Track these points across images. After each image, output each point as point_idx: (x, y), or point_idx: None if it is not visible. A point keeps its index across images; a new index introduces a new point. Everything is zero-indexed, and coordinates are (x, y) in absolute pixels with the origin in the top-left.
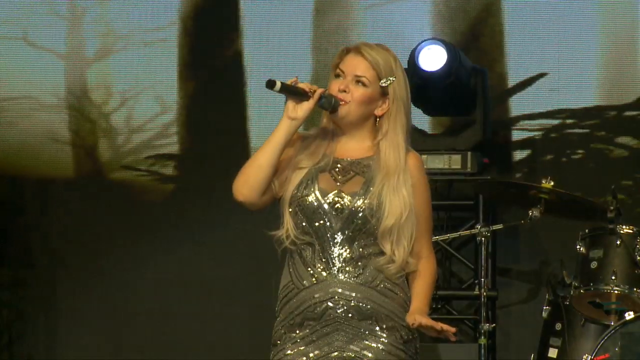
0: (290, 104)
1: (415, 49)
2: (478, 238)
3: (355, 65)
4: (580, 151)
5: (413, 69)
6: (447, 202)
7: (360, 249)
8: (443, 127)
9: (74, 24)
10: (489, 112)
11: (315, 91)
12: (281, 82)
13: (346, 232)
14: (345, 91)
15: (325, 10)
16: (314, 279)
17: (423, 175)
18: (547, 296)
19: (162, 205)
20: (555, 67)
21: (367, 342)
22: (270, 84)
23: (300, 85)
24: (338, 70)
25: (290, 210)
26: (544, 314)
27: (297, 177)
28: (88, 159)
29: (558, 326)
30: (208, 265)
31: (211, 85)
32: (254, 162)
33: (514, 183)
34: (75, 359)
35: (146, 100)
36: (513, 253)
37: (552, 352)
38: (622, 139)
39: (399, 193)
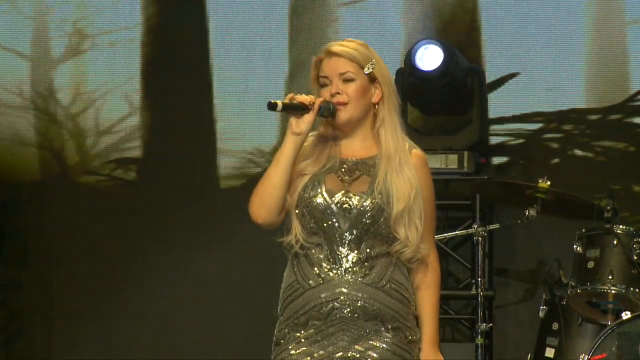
0: (293, 120)
1: (412, 48)
2: (475, 238)
3: (335, 66)
4: (576, 151)
5: (410, 68)
6: (444, 201)
7: (368, 250)
8: (440, 126)
9: (39, 23)
10: (485, 112)
11: (314, 102)
12: (282, 102)
13: (354, 232)
14: (338, 93)
15: (300, 8)
16: (320, 279)
17: (427, 174)
18: (544, 296)
19: (154, 206)
20: (551, 67)
21: (372, 343)
22: (272, 106)
23: (299, 99)
24: (322, 80)
25: (297, 212)
26: (541, 314)
27: (302, 181)
28: (55, 162)
29: (555, 326)
30: (206, 266)
31: (177, 86)
32: (267, 183)
33: (511, 183)
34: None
35: (114, 102)
36: (510, 253)
37: (549, 352)
38: (617, 142)
39: (403, 174)
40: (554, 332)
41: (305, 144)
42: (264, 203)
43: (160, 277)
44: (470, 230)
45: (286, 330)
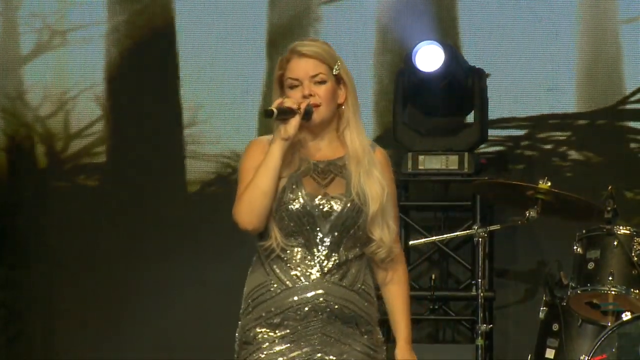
0: (280, 125)
1: (412, 49)
2: (475, 239)
3: (305, 68)
4: (576, 153)
5: (410, 69)
6: (444, 202)
7: (346, 252)
8: (440, 127)
9: (6, 18)
10: (486, 112)
11: (299, 106)
12: (276, 109)
13: (335, 234)
14: (311, 95)
15: (276, 5)
16: (299, 280)
17: (391, 171)
18: (544, 297)
19: (156, 207)
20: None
21: (347, 346)
22: (269, 114)
23: (287, 104)
24: (291, 81)
25: (276, 217)
26: (541, 315)
27: (280, 185)
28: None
29: (555, 327)
30: (205, 267)
31: (144, 86)
32: (257, 190)
33: (511, 184)
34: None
35: (84, 103)
36: (510, 254)
37: (550, 353)
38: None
39: (373, 176)
40: (554, 333)
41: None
42: (254, 210)
43: (161, 278)
44: (470, 231)
45: (258, 330)
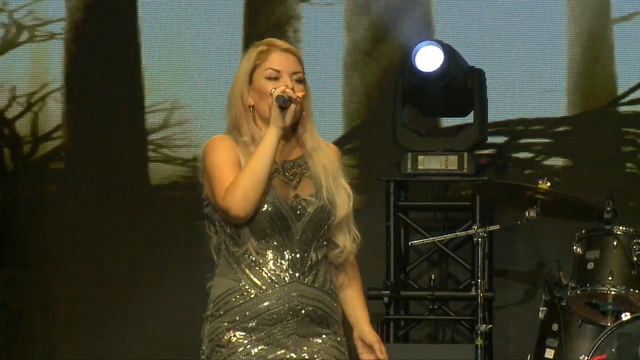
0: (279, 113)
1: (412, 49)
2: (475, 239)
3: (287, 64)
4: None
5: (410, 69)
6: (443, 202)
7: (315, 253)
8: (440, 127)
9: None
10: (485, 113)
11: (298, 97)
12: (288, 97)
13: (307, 235)
14: (293, 89)
15: (256, 4)
16: (272, 283)
17: (342, 167)
18: (543, 297)
19: (153, 205)
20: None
21: (319, 345)
22: (284, 100)
23: (289, 92)
24: (271, 71)
25: (249, 220)
26: (541, 315)
27: None
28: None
29: (555, 327)
30: (201, 268)
31: (105, 86)
32: (253, 177)
33: (511, 184)
34: None
35: (52, 104)
36: (510, 254)
37: (549, 353)
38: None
39: (339, 183)
40: (554, 333)
41: (237, 146)
42: (249, 197)
43: (160, 279)
44: (470, 232)
45: (230, 333)
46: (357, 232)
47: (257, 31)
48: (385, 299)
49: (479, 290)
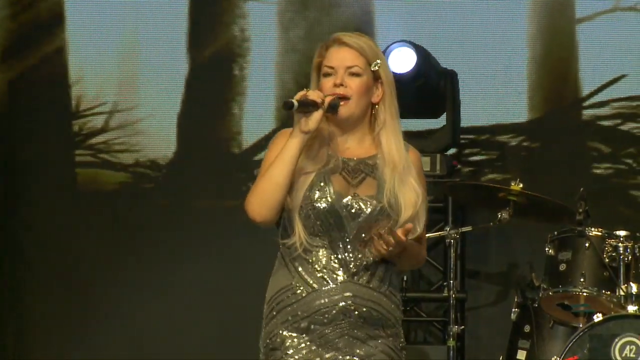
0: (302, 117)
1: (385, 50)
2: (447, 240)
3: (343, 57)
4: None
5: None
6: None
7: (372, 254)
8: (412, 129)
9: None
10: (458, 115)
11: (324, 100)
12: (297, 101)
13: (362, 235)
14: (342, 85)
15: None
16: (325, 282)
17: (422, 175)
18: (515, 298)
19: (126, 207)
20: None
21: (373, 348)
22: (289, 105)
23: (311, 96)
24: (326, 69)
25: (302, 214)
26: (513, 316)
27: (306, 181)
28: None
29: (527, 328)
30: (180, 267)
31: (30, 85)
32: (271, 181)
33: (483, 185)
34: None
35: None
36: (482, 255)
37: (521, 354)
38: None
39: (409, 182)
40: (526, 335)
41: None
42: (266, 202)
43: (133, 279)
44: (442, 233)
45: (285, 334)
46: (419, 230)
47: (201, 30)
48: None
49: (451, 292)
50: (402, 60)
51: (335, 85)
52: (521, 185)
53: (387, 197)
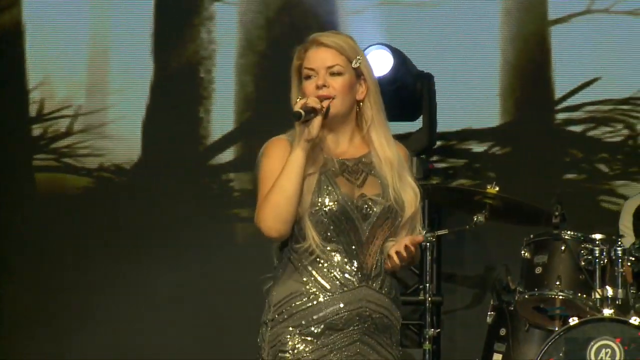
0: (304, 127)
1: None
2: (423, 243)
3: (323, 58)
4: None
5: None
6: None
7: (382, 256)
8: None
9: None
10: (434, 118)
11: (322, 106)
12: (303, 111)
13: (374, 236)
14: (325, 86)
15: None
16: (340, 285)
17: (411, 170)
18: (491, 301)
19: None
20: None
21: (383, 355)
22: (298, 116)
23: (311, 104)
24: (307, 71)
25: (313, 219)
26: (489, 320)
27: (310, 184)
28: None
29: (502, 331)
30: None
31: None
32: (282, 194)
33: (459, 188)
34: None
35: None
36: (458, 258)
37: (497, 357)
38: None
39: (405, 180)
40: (502, 338)
41: (290, 147)
42: (280, 215)
43: (100, 282)
44: None
45: (297, 338)
46: (420, 228)
47: (167, 33)
48: None
49: (427, 295)
50: (379, 63)
51: (318, 87)
52: (497, 189)
53: (392, 194)
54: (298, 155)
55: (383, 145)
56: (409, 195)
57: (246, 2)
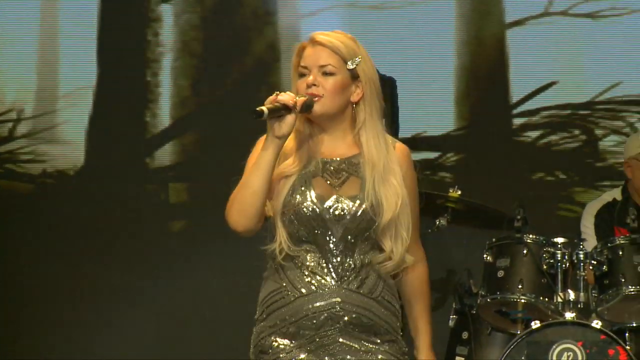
0: (275, 122)
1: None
2: None
3: (317, 57)
4: (485, 161)
5: None
6: None
7: (362, 257)
8: None
9: None
10: (397, 121)
11: (296, 102)
12: (267, 108)
13: (348, 237)
14: (315, 85)
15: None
16: (313, 287)
17: (411, 168)
18: (454, 305)
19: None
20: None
21: (366, 356)
22: (259, 114)
23: (282, 100)
24: (301, 69)
25: (285, 220)
26: (451, 323)
27: (286, 185)
28: None
29: (465, 335)
30: (100, 273)
31: None
32: (248, 190)
33: (421, 192)
34: None
35: None
36: None
37: None
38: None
39: (389, 183)
40: (464, 341)
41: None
42: (244, 211)
43: (47, 288)
44: None
45: (272, 338)
46: (406, 235)
47: (112, 34)
48: None
49: None
50: None
51: (308, 86)
52: (459, 192)
53: (370, 197)
54: (266, 152)
55: (370, 147)
56: (390, 199)
57: (182, 2)
